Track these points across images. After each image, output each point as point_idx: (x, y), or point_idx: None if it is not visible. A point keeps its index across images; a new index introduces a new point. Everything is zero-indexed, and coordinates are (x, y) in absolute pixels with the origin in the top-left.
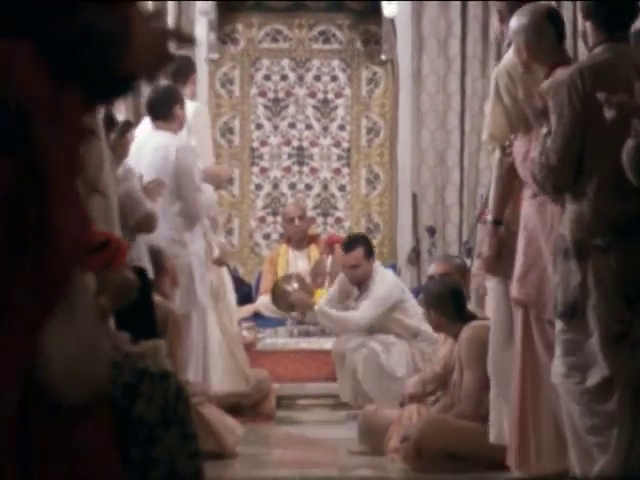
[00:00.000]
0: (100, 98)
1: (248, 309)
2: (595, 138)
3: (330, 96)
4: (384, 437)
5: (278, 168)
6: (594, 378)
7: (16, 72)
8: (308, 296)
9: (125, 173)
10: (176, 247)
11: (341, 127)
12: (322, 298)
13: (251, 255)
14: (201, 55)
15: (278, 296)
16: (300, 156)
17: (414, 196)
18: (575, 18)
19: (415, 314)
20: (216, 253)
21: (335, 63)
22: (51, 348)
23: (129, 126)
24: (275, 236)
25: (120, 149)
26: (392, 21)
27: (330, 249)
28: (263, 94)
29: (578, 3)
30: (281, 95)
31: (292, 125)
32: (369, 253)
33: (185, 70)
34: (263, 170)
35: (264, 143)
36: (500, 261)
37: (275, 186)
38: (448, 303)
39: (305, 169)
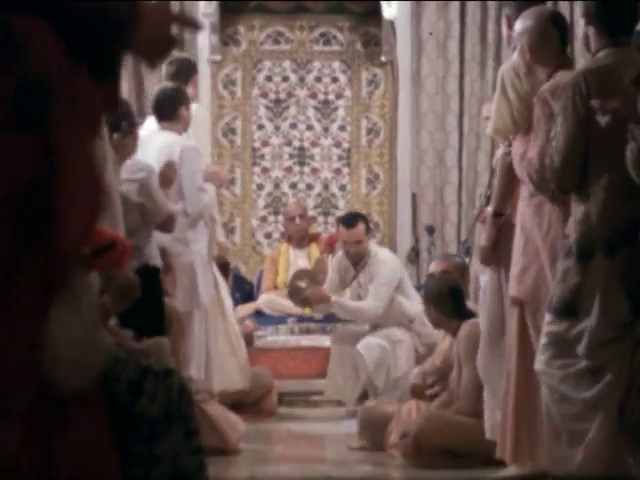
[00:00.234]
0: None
1: (250, 307)
2: (599, 140)
3: (331, 97)
4: (384, 433)
5: (279, 168)
6: (577, 366)
7: (36, 48)
8: (322, 289)
9: (147, 174)
10: (179, 246)
11: (341, 128)
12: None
13: (253, 254)
14: (203, 57)
15: (293, 293)
16: (301, 156)
17: (413, 196)
18: (572, 20)
19: (413, 294)
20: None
21: (336, 65)
22: (54, 338)
23: (132, 126)
24: (276, 235)
25: (123, 149)
26: (392, 23)
27: (330, 248)
28: (265, 95)
29: (576, 6)
30: (282, 96)
31: (293, 126)
32: (368, 230)
33: (186, 72)
34: (264, 170)
35: (266, 143)
36: (496, 252)
37: (276, 186)
38: (447, 300)
39: (306, 169)
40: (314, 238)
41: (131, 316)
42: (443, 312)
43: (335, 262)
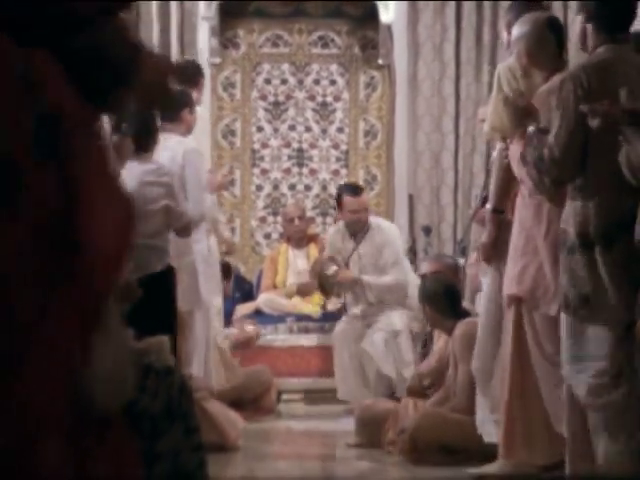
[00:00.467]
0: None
1: (249, 306)
2: (598, 135)
3: (329, 99)
4: (381, 430)
5: (278, 169)
6: (600, 378)
7: (52, 81)
8: (349, 271)
9: (172, 178)
10: (181, 246)
11: (339, 130)
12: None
13: (252, 254)
14: (203, 59)
15: (324, 284)
16: (300, 158)
17: (410, 197)
18: (566, 22)
19: (407, 263)
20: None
21: (334, 67)
22: (94, 362)
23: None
24: (275, 235)
25: (122, 150)
26: (389, 27)
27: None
28: (264, 97)
29: (570, 8)
30: (281, 98)
31: (292, 127)
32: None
33: (193, 75)
34: (264, 171)
35: (265, 145)
36: (496, 249)
37: (275, 187)
38: (443, 300)
39: (304, 170)
40: (312, 238)
41: (150, 316)
42: (438, 311)
43: (331, 237)
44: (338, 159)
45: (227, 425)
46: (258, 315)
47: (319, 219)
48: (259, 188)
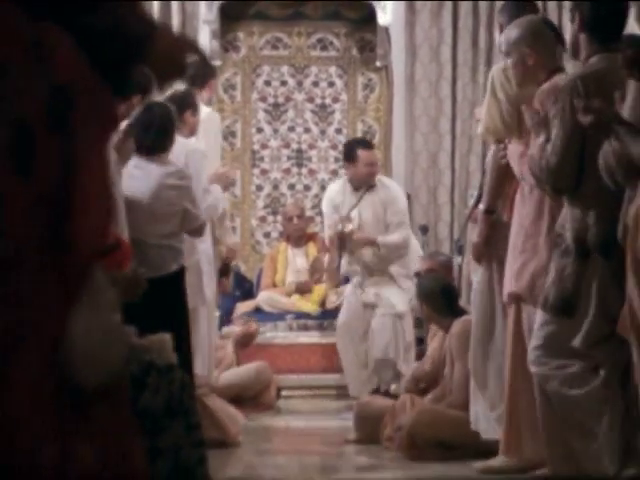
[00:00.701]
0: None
1: (249, 304)
2: (594, 143)
3: (327, 101)
4: (379, 426)
5: (278, 170)
6: (574, 368)
7: (62, 55)
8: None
9: (191, 181)
10: (185, 245)
11: (338, 131)
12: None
13: (252, 253)
14: None
15: (342, 242)
16: (299, 158)
17: (408, 196)
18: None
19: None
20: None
21: (332, 69)
22: (74, 334)
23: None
24: (275, 234)
25: (124, 150)
26: (386, 29)
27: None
28: (264, 99)
29: (564, 13)
30: (281, 100)
31: (291, 129)
32: None
33: (204, 75)
34: (264, 172)
35: (264, 146)
36: (488, 249)
37: (275, 187)
38: (439, 298)
39: (304, 170)
40: (312, 237)
41: (166, 315)
42: (435, 309)
43: (330, 192)
44: (337, 159)
45: (228, 421)
46: (258, 313)
47: (318, 218)
48: (259, 188)
